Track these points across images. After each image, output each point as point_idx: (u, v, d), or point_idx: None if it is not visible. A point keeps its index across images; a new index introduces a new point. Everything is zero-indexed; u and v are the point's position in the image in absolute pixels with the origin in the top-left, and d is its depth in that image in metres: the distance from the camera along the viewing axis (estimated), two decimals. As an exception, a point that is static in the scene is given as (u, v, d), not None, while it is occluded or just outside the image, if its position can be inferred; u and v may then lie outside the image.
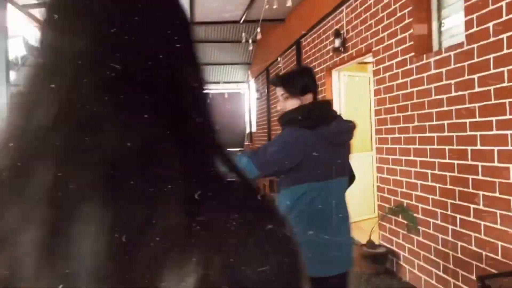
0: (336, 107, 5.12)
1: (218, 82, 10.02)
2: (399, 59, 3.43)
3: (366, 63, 5.24)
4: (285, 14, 6.51)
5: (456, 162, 2.77)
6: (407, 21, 3.30)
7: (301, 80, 1.72)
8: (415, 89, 3.21)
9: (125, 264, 0.28)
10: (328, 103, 1.81)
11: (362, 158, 5.32)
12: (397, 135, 3.50)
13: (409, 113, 3.31)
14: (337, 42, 4.45)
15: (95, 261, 0.28)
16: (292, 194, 1.62)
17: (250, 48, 5.74)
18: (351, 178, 1.78)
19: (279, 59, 7.15)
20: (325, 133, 1.60)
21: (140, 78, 0.33)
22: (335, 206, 1.61)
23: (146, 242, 0.29)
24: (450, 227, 2.85)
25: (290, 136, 1.60)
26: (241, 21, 6.05)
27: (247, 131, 11.85)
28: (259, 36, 4.98)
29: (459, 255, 2.77)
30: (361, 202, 5.28)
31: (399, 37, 3.42)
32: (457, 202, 2.77)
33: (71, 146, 0.31)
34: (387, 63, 3.61)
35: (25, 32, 5.00)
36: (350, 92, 5.33)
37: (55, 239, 0.29)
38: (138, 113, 0.32)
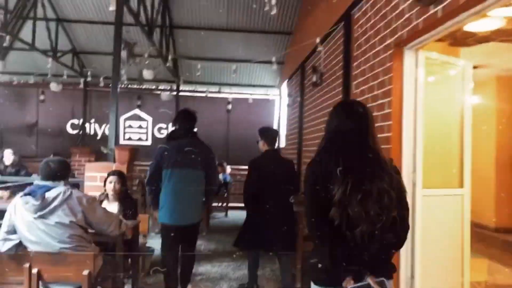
0: (408, 112, 3.00)
1: (243, 84, 8.09)
2: None
3: (464, 41, 3.07)
4: (330, -21, 4.55)
5: None
6: None
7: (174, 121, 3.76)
8: None
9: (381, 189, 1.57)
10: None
11: (439, 198, 3.15)
12: None
13: None
14: (425, -14, 2.40)
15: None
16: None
17: (273, 12, 3.78)
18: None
19: (319, 48, 5.16)
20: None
21: (368, 139, 1.69)
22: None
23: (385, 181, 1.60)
24: None
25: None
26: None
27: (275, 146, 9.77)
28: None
29: None
30: (443, 275, 3.10)
31: None
32: None
33: (355, 147, 1.67)
34: None
35: None
36: (430, 88, 3.18)
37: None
38: (371, 147, 1.67)
